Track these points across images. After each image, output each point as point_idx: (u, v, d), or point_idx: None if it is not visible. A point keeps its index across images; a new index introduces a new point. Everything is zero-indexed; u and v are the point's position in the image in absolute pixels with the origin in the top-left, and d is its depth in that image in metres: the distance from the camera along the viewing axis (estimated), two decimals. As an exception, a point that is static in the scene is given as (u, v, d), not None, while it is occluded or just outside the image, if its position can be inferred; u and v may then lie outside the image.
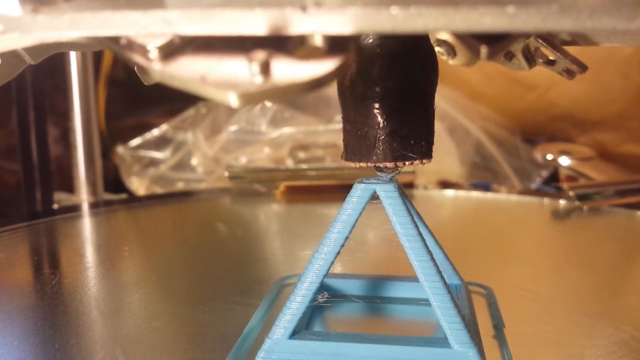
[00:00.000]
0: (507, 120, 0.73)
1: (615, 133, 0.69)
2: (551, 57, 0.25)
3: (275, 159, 0.65)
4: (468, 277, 0.30)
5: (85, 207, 0.51)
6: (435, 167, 0.61)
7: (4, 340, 0.26)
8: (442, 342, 0.23)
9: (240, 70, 0.16)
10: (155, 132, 0.73)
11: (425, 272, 0.23)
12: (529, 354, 0.26)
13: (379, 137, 0.23)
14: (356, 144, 0.24)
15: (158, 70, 0.16)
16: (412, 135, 0.23)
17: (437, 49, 0.23)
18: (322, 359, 0.23)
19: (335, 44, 0.16)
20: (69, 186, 0.59)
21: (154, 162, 0.71)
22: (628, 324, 0.28)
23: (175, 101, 0.73)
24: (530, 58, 0.25)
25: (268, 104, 0.69)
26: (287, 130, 0.68)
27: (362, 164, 0.24)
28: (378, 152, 0.23)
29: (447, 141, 0.66)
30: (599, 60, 0.63)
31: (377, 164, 0.24)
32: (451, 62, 0.22)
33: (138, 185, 0.68)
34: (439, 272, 0.23)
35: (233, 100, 0.15)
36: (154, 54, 0.16)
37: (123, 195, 0.64)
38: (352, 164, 0.24)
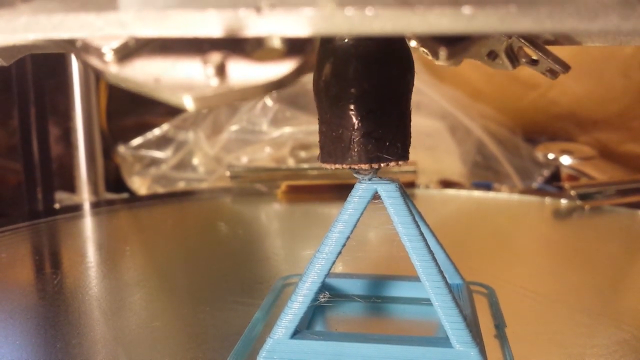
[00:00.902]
0: (508, 119, 0.73)
1: (616, 132, 0.69)
2: (534, 57, 0.25)
3: (277, 158, 0.66)
4: (469, 276, 0.30)
5: (86, 206, 0.51)
6: (436, 167, 0.61)
7: (5, 340, 0.27)
8: (443, 341, 0.23)
9: (196, 72, 0.15)
10: (157, 131, 0.73)
11: (426, 272, 0.23)
12: (530, 354, 0.26)
13: (353, 138, 0.23)
14: (331, 145, 0.24)
15: (113, 73, 0.16)
16: (388, 137, 0.23)
17: (421, 49, 0.23)
18: (324, 358, 0.23)
19: (294, 45, 0.16)
20: (71, 186, 0.59)
21: (155, 162, 0.71)
22: (630, 324, 0.28)
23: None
24: (514, 58, 0.25)
25: (269, 102, 0.69)
26: (288, 129, 0.68)
27: (338, 166, 0.24)
28: (353, 153, 0.23)
29: (449, 140, 0.66)
30: (599, 60, 0.63)
31: (352, 166, 0.23)
32: (437, 62, 0.22)
33: (139, 185, 0.68)
34: (441, 272, 0.23)
35: (188, 103, 0.15)
36: (109, 56, 0.16)
37: (124, 195, 0.65)
38: (327, 166, 0.24)
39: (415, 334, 0.25)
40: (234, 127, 0.69)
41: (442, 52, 0.17)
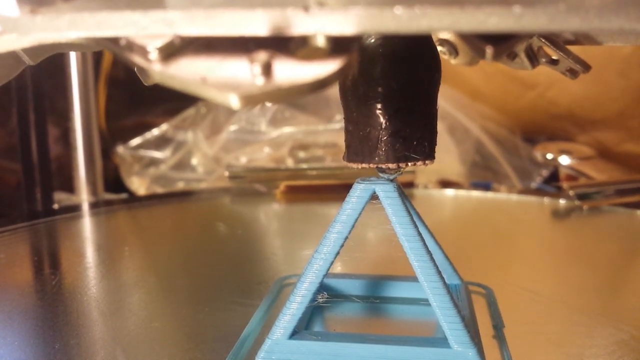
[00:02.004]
0: (507, 119, 0.73)
1: (615, 132, 0.69)
2: (554, 57, 0.25)
3: (276, 158, 0.65)
4: (468, 277, 0.30)
5: (85, 207, 0.51)
6: (435, 167, 0.61)
7: (4, 340, 0.27)
8: (441, 342, 0.23)
9: (242, 71, 0.15)
10: (156, 131, 0.73)
11: (424, 272, 0.23)
12: (528, 354, 0.26)
13: (381, 137, 0.23)
14: (358, 144, 0.24)
15: (158, 71, 0.16)
16: (415, 136, 0.23)
17: (439, 48, 0.23)
18: (322, 359, 0.23)
19: (338, 45, 0.16)
20: (69, 186, 0.59)
21: (154, 162, 0.71)
22: (628, 324, 0.28)
23: (175, 101, 0.73)
24: (533, 57, 0.25)
25: (268, 103, 0.69)
26: (287, 129, 0.68)
27: (365, 165, 0.24)
28: (380, 153, 0.23)
29: (447, 140, 0.66)
30: (598, 60, 0.63)
31: (380, 165, 0.23)
32: (453, 61, 0.22)
33: (138, 185, 0.68)
34: (439, 272, 0.23)
35: (234, 101, 0.15)
36: (154, 55, 0.16)
37: (123, 195, 0.64)
38: (354, 165, 0.24)
39: (413, 335, 0.25)
40: (232, 127, 0.69)
41: (489, 51, 0.17)
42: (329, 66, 0.16)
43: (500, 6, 0.15)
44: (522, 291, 0.32)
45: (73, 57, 0.55)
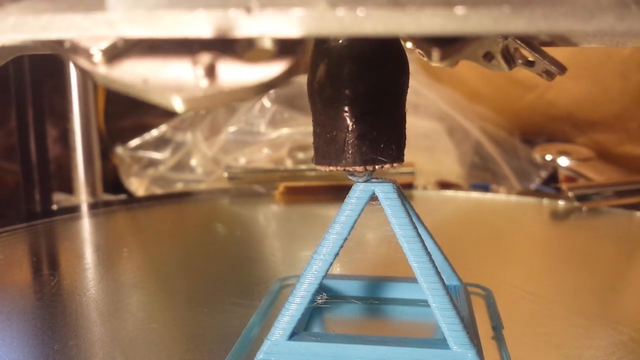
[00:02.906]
0: (506, 120, 0.73)
1: (614, 134, 0.69)
2: (530, 59, 0.25)
3: (275, 159, 0.65)
4: (467, 278, 0.30)
5: (84, 207, 0.51)
6: (434, 168, 0.61)
7: (2, 341, 0.26)
8: (440, 343, 0.23)
9: (185, 73, 0.15)
10: (155, 132, 0.73)
11: (424, 273, 0.23)
12: (527, 355, 0.26)
13: (347, 140, 0.23)
14: (325, 147, 0.23)
15: (102, 74, 0.16)
16: (382, 138, 0.23)
17: (417, 50, 0.23)
18: (321, 360, 0.23)
19: (285, 46, 0.15)
20: (68, 187, 0.59)
21: (153, 163, 0.71)
22: (627, 325, 0.28)
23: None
24: (510, 59, 0.25)
25: (267, 103, 0.69)
26: (286, 130, 0.68)
27: (332, 168, 0.23)
28: (347, 155, 0.23)
29: (446, 142, 0.66)
30: (597, 61, 0.63)
31: (347, 168, 0.23)
32: (433, 63, 0.22)
33: (137, 186, 0.68)
34: (438, 273, 0.23)
35: (177, 104, 0.15)
36: (97, 57, 0.16)
37: (122, 196, 0.64)
38: (322, 168, 0.24)
39: (412, 336, 0.25)
40: (231, 128, 0.69)
41: (435, 53, 0.17)
42: (275, 68, 0.15)
43: (443, 7, 0.14)
44: (521, 292, 0.32)
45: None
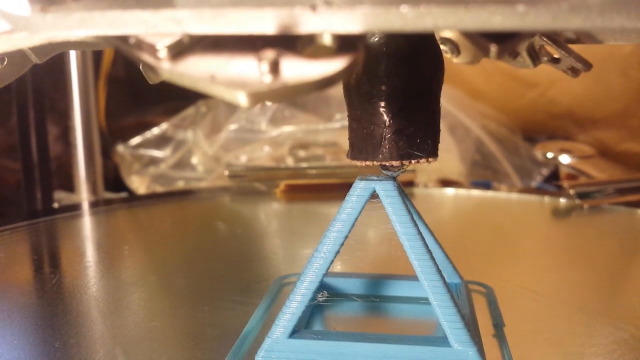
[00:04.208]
0: (507, 118, 0.73)
1: (615, 131, 0.69)
2: (556, 55, 0.25)
3: (276, 157, 0.65)
4: (468, 275, 0.30)
5: (85, 206, 0.51)
6: (435, 166, 0.61)
7: (3, 339, 0.26)
8: (441, 341, 0.23)
9: (250, 69, 0.16)
10: (156, 130, 0.73)
11: (425, 271, 0.23)
12: (528, 353, 0.26)
13: (385, 135, 0.23)
14: (362, 142, 0.24)
15: (167, 69, 0.16)
16: (419, 133, 0.23)
17: (441, 47, 0.23)
18: (322, 358, 0.23)
19: (345, 43, 0.16)
20: (69, 185, 0.59)
21: (154, 161, 0.71)
22: (628, 323, 0.28)
23: (175, 100, 0.73)
24: (535, 56, 0.25)
25: (268, 102, 0.69)
26: (287, 128, 0.68)
27: (368, 163, 0.24)
28: (384, 150, 0.23)
29: (448, 139, 0.66)
30: (599, 58, 0.63)
31: (383, 163, 0.24)
32: (455, 60, 0.22)
33: (138, 184, 0.68)
34: (439, 271, 0.23)
35: (242, 99, 0.15)
36: (163, 53, 0.16)
37: (123, 194, 0.64)
38: (358, 163, 0.24)
39: (413, 333, 0.25)
40: (232, 126, 0.69)
41: (494, 49, 0.17)
42: (336, 64, 0.16)
43: (504, 5, 0.15)
44: (522, 290, 0.32)
45: (73, 56, 0.55)
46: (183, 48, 0.16)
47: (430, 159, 0.24)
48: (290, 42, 0.16)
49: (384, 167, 0.24)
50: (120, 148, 0.72)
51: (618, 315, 0.29)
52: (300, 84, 0.15)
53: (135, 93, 0.75)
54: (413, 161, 0.24)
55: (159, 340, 0.27)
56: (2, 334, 0.27)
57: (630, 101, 0.66)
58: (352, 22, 0.15)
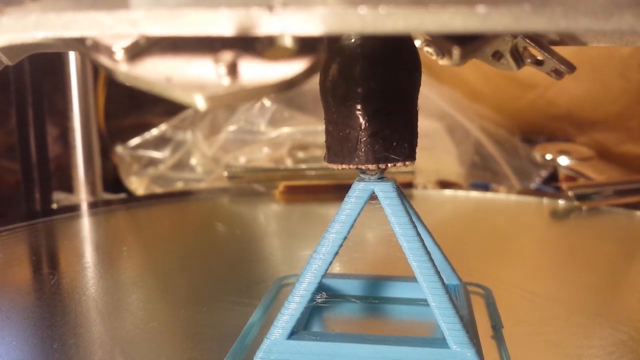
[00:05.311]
0: (506, 120, 0.73)
1: (614, 133, 0.69)
2: (539, 57, 0.25)
3: (275, 158, 0.65)
4: (466, 277, 0.30)
5: (84, 206, 0.51)
6: (434, 167, 0.61)
7: (2, 340, 0.26)
8: (440, 342, 0.23)
9: (208, 71, 0.15)
10: (155, 131, 0.73)
11: (423, 273, 0.23)
12: (527, 355, 0.26)
13: (360, 138, 0.23)
14: (338, 145, 0.24)
15: (124, 71, 0.16)
16: (395, 136, 0.23)
17: (426, 49, 0.23)
18: (320, 359, 0.23)
19: (305, 45, 0.16)
20: (68, 186, 0.59)
21: (153, 162, 0.71)
22: (626, 325, 0.28)
23: (174, 101, 0.73)
24: (519, 58, 0.25)
25: (267, 103, 0.69)
26: (286, 130, 0.68)
27: (344, 166, 0.24)
28: (360, 154, 0.23)
29: (446, 141, 0.66)
30: (597, 60, 0.63)
31: (359, 166, 0.23)
32: (441, 62, 0.22)
33: (137, 185, 0.68)
34: (438, 273, 0.23)
35: (200, 102, 0.15)
36: (119, 55, 0.16)
37: (122, 195, 0.64)
38: (334, 166, 0.24)
39: (412, 335, 0.25)
40: (232, 127, 0.69)
41: (456, 52, 0.17)
42: (296, 66, 0.15)
43: (465, 6, 0.14)
44: (520, 292, 0.32)
45: (72, 56, 0.55)
46: (140, 50, 0.16)
47: (407, 162, 0.24)
48: (250, 44, 0.16)
49: (361, 171, 0.24)
50: (119, 149, 0.72)
51: (616, 317, 0.29)
52: (259, 86, 0.15)
53: (134, 94, 0.75)
54: (390, 165, 0.23)
55: (157, 341, 0.27)
56: (0, 334, 0.27)
57: (629, 103, 0.66)
58: (310, 24, 0.15)
